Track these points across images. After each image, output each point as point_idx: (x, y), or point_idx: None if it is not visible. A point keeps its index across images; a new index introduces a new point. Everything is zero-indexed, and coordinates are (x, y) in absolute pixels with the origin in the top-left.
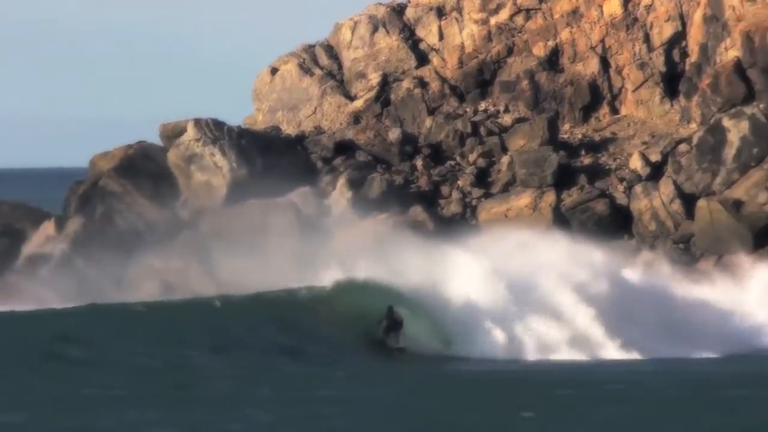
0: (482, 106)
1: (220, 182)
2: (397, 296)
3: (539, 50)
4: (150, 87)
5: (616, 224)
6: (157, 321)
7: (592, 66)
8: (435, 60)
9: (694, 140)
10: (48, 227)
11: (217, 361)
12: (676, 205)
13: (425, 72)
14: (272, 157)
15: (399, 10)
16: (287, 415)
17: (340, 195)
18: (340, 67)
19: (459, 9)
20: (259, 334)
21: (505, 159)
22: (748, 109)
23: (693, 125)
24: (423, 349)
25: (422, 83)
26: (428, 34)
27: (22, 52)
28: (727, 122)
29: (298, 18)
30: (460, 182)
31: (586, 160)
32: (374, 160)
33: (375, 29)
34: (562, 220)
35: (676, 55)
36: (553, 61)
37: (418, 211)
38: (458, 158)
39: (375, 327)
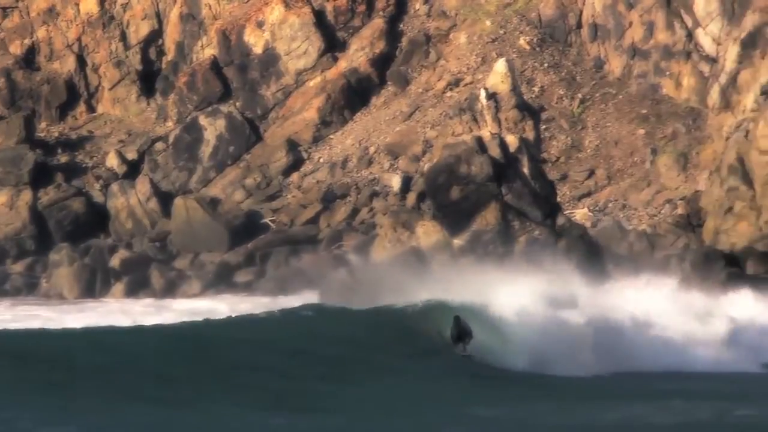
0: None
1: None
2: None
3: (16, 48)
4: None
5: (93, 222)
6: None
7: (69, 64)
8: None
9: (171, 138)
10: None
11: None
12: (153, 203)
13: None
14: None
15: None
16: None
17: None
18: None
19: None
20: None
21: None
22: (225, 108)
23: (170, 123)
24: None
25: None
26: None
27: None
28: (203, 120)
29: None
30: None
31: (63, 159)
32: None
33: None
34: (39, 218)
35: (153, 53)
36: (30, 60)
37: None
38: None
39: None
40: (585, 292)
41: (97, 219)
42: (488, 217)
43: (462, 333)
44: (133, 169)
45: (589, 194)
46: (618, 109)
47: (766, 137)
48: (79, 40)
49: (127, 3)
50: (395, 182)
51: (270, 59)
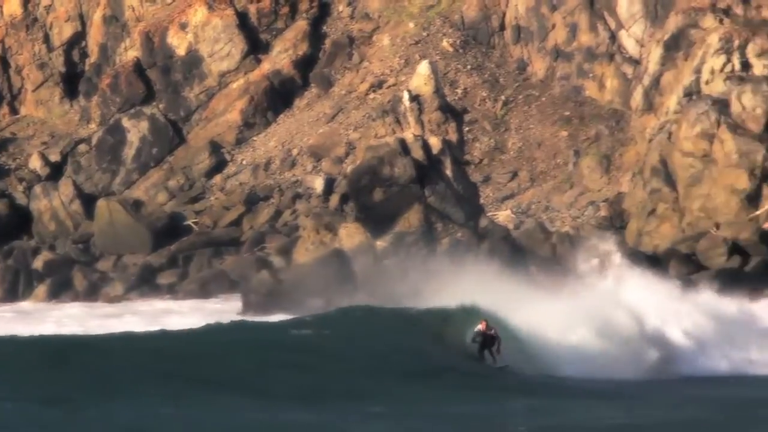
0: None
1: None
2: None
3: None
4: None
5: (16, 224)
6: None
7: None
8: None
9: (94, 140)
10: None
11: None
12: (76, 205)
13: None
14: None
15: None
16: None
17: None
18: None
19: None
20: None
21: None
22: (148, 109)
23: (93, 125)
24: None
25: None
26: None
27: None
28: (126, 122)
29: None
30: None
31: None
32: None
33: None
34: None
35: (76, 55)
36: None
37: None
38: None
39: (470, 342)
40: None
41: (20, 221)
42: (411, 219)
43: (490, 340)
44: (56, 171)
45: (512, 196)
46: (541, 111)
47: (689, 139)
48: (2, 42)
49: (50, 5)
50: (318, 184)
51: (193, 61)
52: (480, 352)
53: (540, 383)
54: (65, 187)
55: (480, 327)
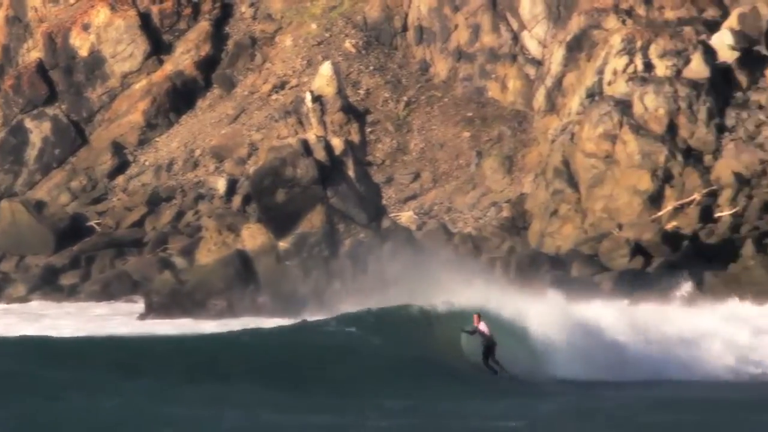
0: None
1: None
2: None
3: None
4: None
5: None
6: None
7: None
8: None
9: None
10: None
11: None
12: None
13: None
14: None
15: None
16: None
17: None
18: None
19: None
20: None
21: None
22: (50, 110)
23: None
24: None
25: None
26: None
27: None
28: (29, 123)
29: None
30: None
31: None
32: None
33: None
34: None
35: None
36: None
37: None
38: None
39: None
40: None
41: None
42: (314, 220)
43: (491, 344)
44: None
45: (414, 197)
46: (443, 112)
47: (591, 140)
48: None
49: None
50: (221, 185)
51: (95, 62)
52: (486, 361)
53: None
54: None
55: (481, 327)
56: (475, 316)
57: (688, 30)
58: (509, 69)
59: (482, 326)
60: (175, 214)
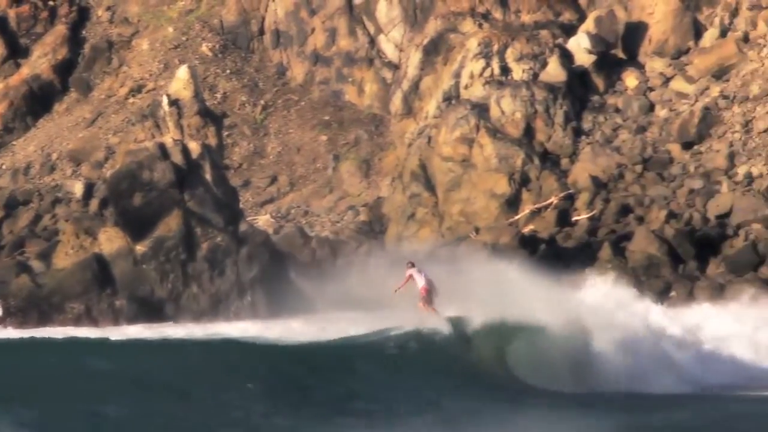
0: None
1: None
2: None
3: None
4: None
5: None
6: None
7: None
8: None
9: None
10: None
11: None
12: None
13: None
14: None
15: None
16: None
17: None
18: None
19: None
20: None
21: None
22: None
23: None
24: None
25: None
26: None
27: None
28: None
29: None
30: None
31: None
32: None
33: None
34: None
35: None
36: None
37: None
38: None
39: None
40: None
41: None
42: (171, 224)
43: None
44: None
45: (271, 200)
46: (300, 116)
47: (448, 144)
48: None
49: None
50: (78, 189)
51: None
52: (425, 304)
53: None
54: None
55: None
56: (407, 264)
57: (544, 33)
58: (366, 73)
59: (414, 273)
60: (33, 217)
